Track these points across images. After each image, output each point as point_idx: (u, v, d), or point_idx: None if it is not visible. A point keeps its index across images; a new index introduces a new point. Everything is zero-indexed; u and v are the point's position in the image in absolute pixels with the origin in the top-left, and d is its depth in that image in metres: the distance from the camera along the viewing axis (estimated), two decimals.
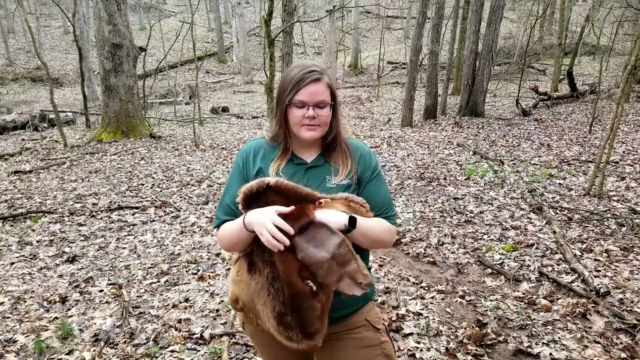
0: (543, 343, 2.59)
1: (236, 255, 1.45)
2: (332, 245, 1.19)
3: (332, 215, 1.26)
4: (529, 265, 3.58)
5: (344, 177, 1.39)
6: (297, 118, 1.35)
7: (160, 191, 6.03)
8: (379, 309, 1.68)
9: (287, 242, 1.17)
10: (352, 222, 1.25)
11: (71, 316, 2.99)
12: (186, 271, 3.65)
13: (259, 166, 1.40)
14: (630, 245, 3.82)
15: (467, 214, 4.78)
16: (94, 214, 5.15)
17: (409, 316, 2.92)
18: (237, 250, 1.38)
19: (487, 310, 2.99)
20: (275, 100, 1.42)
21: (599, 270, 3.41)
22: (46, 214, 5.14)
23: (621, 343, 2.55)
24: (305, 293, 1.21)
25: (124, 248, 4.19)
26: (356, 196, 1.36)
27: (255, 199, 1.26)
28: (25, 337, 2.74)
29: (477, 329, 2.76)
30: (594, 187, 5.18)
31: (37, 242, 4.38)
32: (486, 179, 6.05)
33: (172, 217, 4.98)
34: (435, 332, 2.74)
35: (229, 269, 3.67)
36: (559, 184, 5.69)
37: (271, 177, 1.33)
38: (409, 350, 2.56)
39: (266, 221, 1.19)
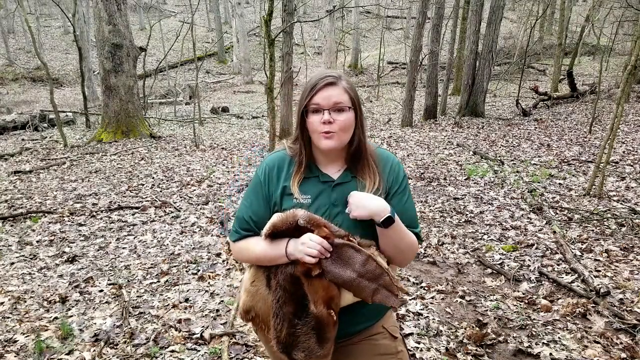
0: (543, 343, 2.59)
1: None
2: (358, 264, 1.21)
3: (376, 200, 1.25)
4: (529, 265, 3.58)
5: (371, 194, 1.33)
6: (315, 124, 1.30)
7: (160, 191, 6.03)
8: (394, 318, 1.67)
9: (328, 254, 1.21)
10: (391, 218, 1.24)
11: (71, 316, 2.99)
12: (186, 271, 3.65)
13: (282, 184, 1.36)
14: (630, 245, 3.82)
15: (467, 214, 4.78)
16: (94, 214, 5.15)
17: (409, 316, 2.92)
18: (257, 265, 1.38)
19: (487, 310, 2.99)
20: (297, 112, 1.38)
21: (599, 270, 3.41)
22: (46, 214, 5.14)
23: (621, 343, 2.55)
24: (329, 322, 1.24)
25: (124, 248, 4.19)
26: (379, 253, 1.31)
27: (284, 234, 1.29)
28: (25, 337, 2.74)
29: (477, 329, 2.76)
30: (594, 187, 5.18)
31: (37, 242, 4.38)
32: (486, 179, 6.05)
33: (172, 217, 4.98)
34: (435, 332, 2.74)
35: (229, 269, 3.67)
36: (559, 184, 5.69)
37: (294, 193, 1.32)
38: (409, 350, 2.56)
39: (306, 242, 1.22)
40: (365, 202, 1.25)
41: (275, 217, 1.29)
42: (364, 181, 1.35)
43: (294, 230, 1.26)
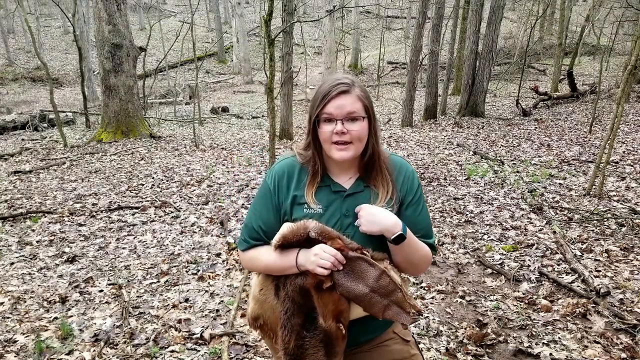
0: (543, 343, 2.59)
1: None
2: (371, 278, 1.18)
3: (387, 216, 1.22)
4: (529, 266, 3.58)
5: (384, 204, 1.29)
6: (326, 134, 1.25)
7: (160, 191, 6.03)
8: None
9: (341, 267, 1.18)
10: (402, 235, 1.22)
11: (71, 316, 2.99)
12: (186, 271, 3.65)
13: (293, 193, 1.31)
14: (630, 245, 3.82)
15: (467, 214, 4.78)
16: (94, 214, 5.14)
17: None
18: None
19: (487, 310, 2.99)
20: (307, 119, 1.33)
21: (599, 271, 3.41)
22: (46, 214, 5.13)
23: (621, 343, 2.55)
24: (338, 337, 1.22)
25: (123, 248, 4.19)
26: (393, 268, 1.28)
27: (294, 245, 1.26)
28: (25, 337, 2.74)
29: (477, 329, 2.76)
30: (594, 187, 5.18)
31: (37, 242, 4.37)
32: (486, 179, 6.05)
33: (172, 217, 4.98)
34: (435, 332, 2.74)
35: (229, 269, 3.67)
36: (559, 184, 5.69)
37: (310, 204, 1.29)
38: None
39: (319, 253, 1.19)
40: (377, 218, 1.22)
41: (285, 228, 1.25)
42: (377, 190, 1.31)
43: (304, 242, 1.23)
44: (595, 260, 3.59)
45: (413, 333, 2.71)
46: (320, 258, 1.18)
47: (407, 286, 1.27)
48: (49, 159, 8.29)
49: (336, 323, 1.21)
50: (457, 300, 3.13)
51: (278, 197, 1.33)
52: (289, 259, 1.24)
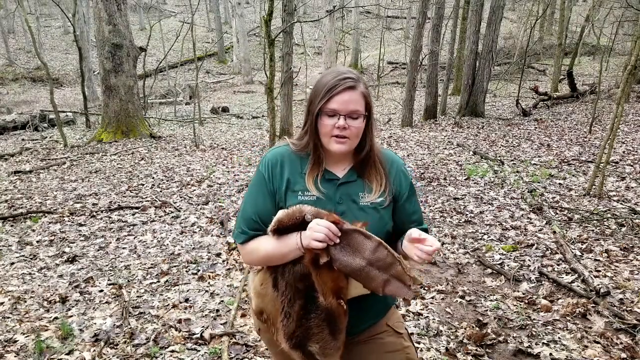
0: (543, 343, 2.59)
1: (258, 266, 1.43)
2: (367, 251, 1.16)
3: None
4: (529, 265, 3.58)
5: (377, 196, 1.33)
6: (327, 128, 1.27)
7: (160, 191, 6.03)
8: (399, 313, 1.68)
9: (337, 240, 1.17)
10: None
11: (71, 316, 2.99)
12: (186, 271, 3.65)
13: (286, 181, 1.33)
14: (630, 245, 3.82)
15: (467, 214, 4.78)
16: (94, 214, 5.15)
17: (409, 316, 2.92)
18: (268, 265, 1.35)
19: (487, 310, 2.99)
20: (306, 108, 1.33)
21: (599, 271, 3.41)
22: (46, 214, 5.14)
23: (621, 343, 2.55)
24: (340, 313, 1.22)
25: (124, 248, 4.19)
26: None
27: (289, 229, 1.26)
28: (25, 337, 2.74)
29: (477, 329, 2.76)
30: (594, 187, 5.18)
31: (37, 242, 4.38)
32: (486, 179, 6.05)
33: (172, 217, 4.98)
34: (435, 332, 2.74)
35: (229, 269, 3.67)
36: (559, 184, 5.69)
37: (311, 191, 1.30)
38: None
39: (313, 227, 1.19)
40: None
41: (281, 213, 1.26)
42: (370, 184, 1.34)
43: (299, 226, 1.23)
44: (595, 260, 3.59)
45: (413, 333, 2.72)
46: (314, 231, 1.18)
47: (406, 260, 1.26)
48: (49, 159, 8.29)
49: (336, 300, 1.21)
50: (457, 300, 3.13)
51: (272, 184, 1.34)
52: (288, 242, 1.24)
